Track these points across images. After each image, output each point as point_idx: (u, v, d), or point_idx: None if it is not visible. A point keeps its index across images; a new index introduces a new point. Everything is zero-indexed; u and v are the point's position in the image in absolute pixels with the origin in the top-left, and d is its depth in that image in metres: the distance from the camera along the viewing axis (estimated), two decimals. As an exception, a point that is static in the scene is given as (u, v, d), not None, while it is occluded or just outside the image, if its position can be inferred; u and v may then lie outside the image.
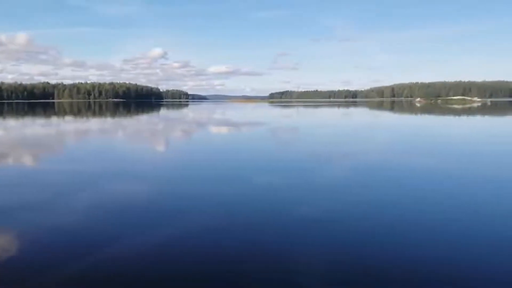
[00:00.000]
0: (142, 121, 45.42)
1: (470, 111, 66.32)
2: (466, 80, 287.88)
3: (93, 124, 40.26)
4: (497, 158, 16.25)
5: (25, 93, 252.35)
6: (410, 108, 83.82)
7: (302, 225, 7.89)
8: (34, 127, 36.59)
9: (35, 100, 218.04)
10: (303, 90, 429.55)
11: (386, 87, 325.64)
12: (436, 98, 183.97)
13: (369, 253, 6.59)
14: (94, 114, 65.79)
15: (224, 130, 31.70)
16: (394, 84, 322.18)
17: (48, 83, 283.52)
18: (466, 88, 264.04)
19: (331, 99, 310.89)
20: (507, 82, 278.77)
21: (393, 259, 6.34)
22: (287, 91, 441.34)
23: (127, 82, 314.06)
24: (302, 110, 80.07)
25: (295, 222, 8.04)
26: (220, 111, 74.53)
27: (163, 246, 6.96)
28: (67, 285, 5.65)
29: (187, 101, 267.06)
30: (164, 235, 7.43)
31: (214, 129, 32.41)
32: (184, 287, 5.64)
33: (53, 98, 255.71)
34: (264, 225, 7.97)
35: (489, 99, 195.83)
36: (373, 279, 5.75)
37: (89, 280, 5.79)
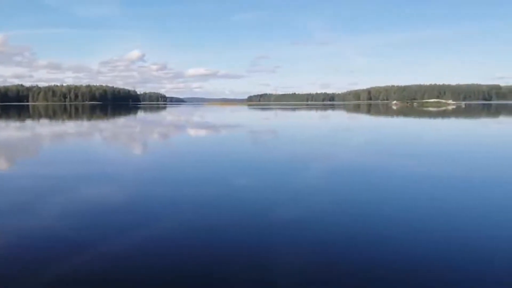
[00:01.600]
0: (119, 124, 44.93)
1: (447, 114, 67.64)
2: (441, 83, 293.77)
3: (69, 127, 39.66)
4: (476, 157, 16.63)
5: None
6: (387, 111, 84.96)
7: (282, 225, 7.94)
8: (8, 130, 35.85)
9: (8, 103, 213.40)
10: (281, 93, 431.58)
11: (363, 90, 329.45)
12: (412, 100, 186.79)
13: (352, 252, 6.68)
14: (70, 117, 64.80)
15: (202, 132, 31.61)
16: (371, 87, 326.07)
17: (22, 85, 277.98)
18: (441, 91, 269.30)
19: (309, 102, 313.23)
20: (480, 85, 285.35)
21: (377, 259, 6.44)
22: (265, 94, 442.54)
23: (104, 84, 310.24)
24: (280, 113, 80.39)
25: (275, 223, 8.08)
26: (197, 114, 74.26)
27: (143, 247, 6.91)
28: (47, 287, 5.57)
29: (165, 104, 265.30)
30: (144, 237, 7.39)
31: (192, 132, 32.29)
32: (165, 286, 5.62)
33: (27, 101, 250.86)
34: (245, 226, 7.98)
35: (463, 102, 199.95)
36: (355, 277, 5.83)
37: (70, 282, 5.72)
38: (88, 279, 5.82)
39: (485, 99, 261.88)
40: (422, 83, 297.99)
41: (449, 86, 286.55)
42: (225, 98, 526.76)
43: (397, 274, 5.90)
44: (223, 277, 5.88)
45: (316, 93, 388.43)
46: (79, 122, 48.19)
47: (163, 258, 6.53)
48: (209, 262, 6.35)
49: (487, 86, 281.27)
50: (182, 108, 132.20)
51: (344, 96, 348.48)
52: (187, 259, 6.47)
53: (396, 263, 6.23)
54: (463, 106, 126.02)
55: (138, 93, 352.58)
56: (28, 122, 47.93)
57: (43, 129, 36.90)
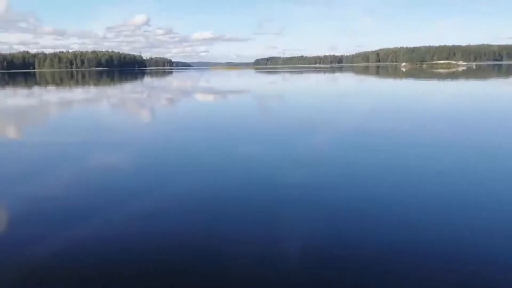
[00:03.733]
0: (126, 90, 44.86)
1: (457, 75, 66.66)
2: (451, 44, 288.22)
3: (78, 94, 39.70)
4: (484, 121, 16.48)
5: (5, 63, 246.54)
6: (395, 73, 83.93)
7: (289, 191, 7.99)
8: (17, 98, 35.96)
9: (15, 70, 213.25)
10: (289, 56, 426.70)
11: (371, 52, 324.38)
12: (421, 62, 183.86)
13: (358, 216, 6.75)
14: (77, 83, 64.78)
15: (208, 98, 31.51)
16: (379, 49, 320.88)
17: (28, 52, 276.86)
18: (451, 52, 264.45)
19: (317, 65, 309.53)
20: (490, 45, 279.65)
21: (382, 222, 6.51)
22: (272, 57, 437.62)
23: (109, 50, 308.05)
24: (287, 76, 79.72)
25: (282, 188, 8.13)
26: (204, 79, 73.88)
27: (152, 212, 7.02)
28: (56, 256, 5.71)
29: (171, 69, 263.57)
30: (153, 201, 7.49)
31: (198, 98, 32.20)
32: (172, 250, 5.74)
33: (33, 68, 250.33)
34: (251, 191, 8.07)
35: (474, 63, 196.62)
36: (361, 240, 5.91)
37: (79, 249, 5.86)
38: (98, 243, 5.96)
39: (496, 60, 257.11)
40: (431, 45, 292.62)
41: (459, 47, 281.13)
42: (232, 62, 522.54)
43: (401, 237, 5.98)
44: (229, 240, 5.99)
45: (324, 56, 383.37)
46: (86, 89, 48.18)
47: (171, 222, 6.65)
48: (216, 227, 6.46)
49: (498, 46, 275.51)
50: (188, 73, 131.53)
51: (352, 59, 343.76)
52: (194, 223, 6.57)
53: (400, 228, 6.31)
54: (474, 67, 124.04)
55: (144, 58, 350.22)
56: (36, 90, 48.00)
57: (52, 96, 36.98)
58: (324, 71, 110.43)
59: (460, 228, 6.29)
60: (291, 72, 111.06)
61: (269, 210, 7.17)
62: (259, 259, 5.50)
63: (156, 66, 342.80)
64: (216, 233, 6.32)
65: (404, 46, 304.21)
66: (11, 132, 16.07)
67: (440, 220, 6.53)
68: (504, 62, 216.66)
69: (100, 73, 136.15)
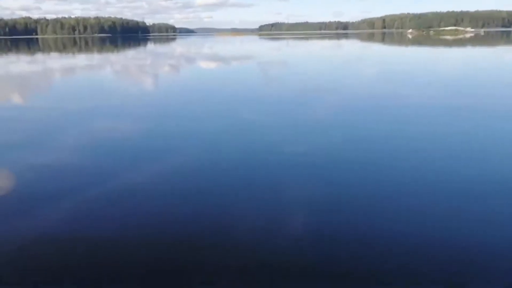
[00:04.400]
0: (130, 57, 44.63)
1: (464, 42, 65.71)
2: (459, 10, 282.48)
3: (82, 60, 39.56)
4: (488, 88, 16.45)
5: (7, 29, 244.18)
6: (401, 40, 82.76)
7: (291, 158, 8.15)
8: (22, 64, 35.92)
9: (17, 37, 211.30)
10: (293, 22, 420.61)
11: (377, 19, 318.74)
12: (428, 29, 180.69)
13: (360, 185, 6.93)
14: (80, 50, 64.39)
15: (212, 65, 31.37)
16: (385, 16, 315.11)
17: (30, 18, 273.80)
18: (458, 18, 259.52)
19: (322, 31, 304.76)
20: (499, 11, 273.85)
21: (386, 189, 6.70)
22: (277, 23, 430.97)
23: (112, 16, 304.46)
24: (292, 43, 78.82)
25: (285, 156, 8.27)
26: (207, 45, 73.20)
27: (157, 178, 7.22)
28: (60, 221, 5.92)
29: (174, 35, 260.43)
30: (157, 168, 7.68)
31: (201, 64, 32.06)
32: (176, 216, 5.95)
33: (36, 34, 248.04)
34: (254, 160, 8.22)
35: (482, 29, 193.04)
36: (363, 207, 6.11)
37: (82, 215, 6.07)
38: (105, 205, 6.18)
39: (505, 26, 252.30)
40: (438, 11, 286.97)
41: (467, 13, 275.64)
42: (236, 28, 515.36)
43: (405, 202, 6.17)
44: (235, 205, 6.20)
45: (329, 22, 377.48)
46: (90, 55, 47.95)
47: (176, 187, 6.86)
48: (222, 192, 6.66)
49: (507, 12, 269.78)
50: (192, 39, 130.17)
51: (357, 25, 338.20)
52: (200, 188, 6.78)
53: (403, 192, 6.50)
54: (482, 33, 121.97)
55: (147, 24, 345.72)
56: (40, 56, 47.81)
57: (56, 63, 36.88)
58: (329, 38, 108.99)
59: (460, 189, 6.48)
60: (295, 38, 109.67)
61: (274, 175, 7.35)
62: (264, 224, 5.70)
63: (159, 33, 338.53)
64: (222, 198, 6.51)
65: (411, 12, 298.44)
66: (17, 99, 16.21)
67: (441, 183, 6.72)
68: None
69: (103, 40, 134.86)
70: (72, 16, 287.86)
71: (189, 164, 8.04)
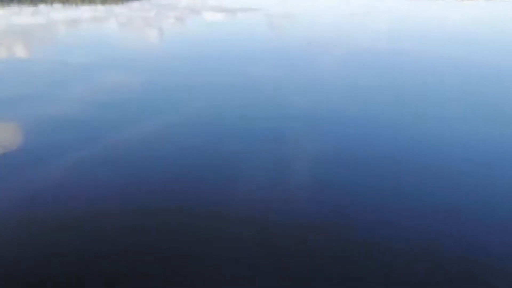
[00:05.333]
0: (135, 8, 43.84)
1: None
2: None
3: (86, 12, 38.93)
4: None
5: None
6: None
7: (299, 113, 8.24)
8: (25, 16, 35.45)
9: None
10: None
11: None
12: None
13: (369, 139, 7.09)
14: (83, 1, 62.98)
15: (217, 17, 30.85)
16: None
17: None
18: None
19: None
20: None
21: (384, 142, 6.89)
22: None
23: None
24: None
25: (292, 110, 8.37)
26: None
27: (165, 129, 7.41)
28: (71, 169, 6.13)
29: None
30: (165, 118, 7.85)
31: (206, 16, 31.54)
32: (184, 161, 6.17)
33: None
34: (260, 109, 8.36)
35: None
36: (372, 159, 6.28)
37: (92, 162, 6.28)
38: (106, 158, 6.38)
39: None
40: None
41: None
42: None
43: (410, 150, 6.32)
44: (241, 153, 6.41)
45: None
46: (94, 8, 47.09)
47: (183, 137, 7.08)
48: (228, 141, 6.89)
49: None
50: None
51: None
52: (207, 136, 6.98)
53: (404, 142, 6.70)
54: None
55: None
56: (43, 7, 47.05)
57: (59, 14, 36.37)
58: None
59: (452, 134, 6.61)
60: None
61: (279, 126, 7.48)
62: (270, 171, 5.89)
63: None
64: (229, 146, 6.70)
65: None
66: (23, 52, 16.18)
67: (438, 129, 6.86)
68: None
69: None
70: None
71: (196, 115, 8.17)
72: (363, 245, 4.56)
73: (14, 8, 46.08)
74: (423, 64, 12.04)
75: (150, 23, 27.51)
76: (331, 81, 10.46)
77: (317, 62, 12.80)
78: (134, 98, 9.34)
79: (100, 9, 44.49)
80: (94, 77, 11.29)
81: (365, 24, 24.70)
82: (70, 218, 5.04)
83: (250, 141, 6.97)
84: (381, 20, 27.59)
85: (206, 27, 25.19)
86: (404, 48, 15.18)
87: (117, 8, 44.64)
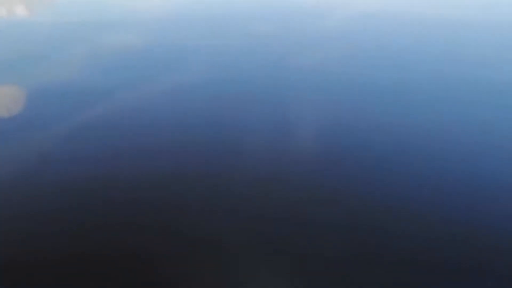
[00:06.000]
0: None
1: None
2: None
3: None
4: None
5: None
6: None
7: (302, 68, 8.32)
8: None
9: None
10: None
11: None
12: None
13: (365, 97, 7.23)
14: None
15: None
16: None
17: None
18: None
19: None
20: None
21: (385, 105, 7.04)
22: None
23: None
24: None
25: (296, 72, 8.48)
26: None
27: (172, 89, 7.60)
28: (73, 133, 6.28)
29: None
30: (171, 78, 8.05)
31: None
32: (192, 120, 6.41)
33: None
34: (264, 71, 8.54)
35: None
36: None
37: (94, 127, 6.48)
38: (114, 119, 6.61)
39: None
40: None
41: None
42: None
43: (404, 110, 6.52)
44: (246, 113, 6.66)
45: None
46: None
47: (188, 97, 7.26)
48: (233, 102, 7.05)
49: None
50: None
51: None
52: (210, 104, 7.10)
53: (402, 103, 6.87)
54: None
55: None
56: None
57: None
58: None
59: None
60: None
61: (285, 87, 7.59)
62: (276, 133, 6.06)
63: None
64: (234, 108, 6.84)
65: None
66: (22, 11, 15.97)
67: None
68: None
69: None
70: None
71: (200, 77, 8.28)
72: (370, 206, 4.78)
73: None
74: (431, 27, 11.92)
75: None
76: (339, 43, 10.41)
77: (325, 22, 12.66)
78: (136, 60, 9.36)
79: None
80: (95, 38, 11.21)
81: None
82: (76, 183, 5.15)
83: (254, 103, 7.07)
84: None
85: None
86: (420, 11, 14.94)
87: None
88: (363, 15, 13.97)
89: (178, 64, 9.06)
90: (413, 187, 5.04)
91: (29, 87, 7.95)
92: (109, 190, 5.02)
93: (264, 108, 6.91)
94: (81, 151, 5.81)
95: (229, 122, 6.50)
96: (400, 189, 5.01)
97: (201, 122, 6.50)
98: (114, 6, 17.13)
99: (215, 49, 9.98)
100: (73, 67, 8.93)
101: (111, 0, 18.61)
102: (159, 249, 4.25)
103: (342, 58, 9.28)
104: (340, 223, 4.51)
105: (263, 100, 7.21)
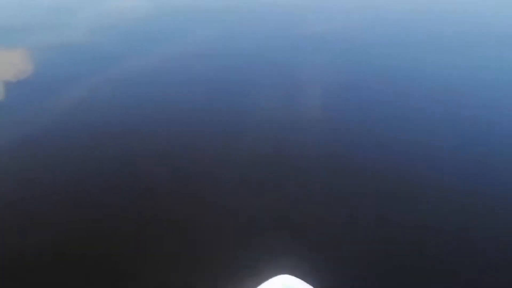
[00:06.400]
0: None
1: None
2: None
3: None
4: None
5: None
6: None
7: (312, 41, 8.40)
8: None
9: None
10: None
11: None
12: None
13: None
14: None
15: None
16: None
17: None
18: None
19: None
20: None
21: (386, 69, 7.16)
22: None
23: None
24: None
25: (305, 39, 8.50)
26: None
27: (178, 56, 7.62)
28: (83, 97, 6.35)
29: None
30: (172, 52, 7.95)
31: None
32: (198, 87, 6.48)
33: None
34: (274, 40, 8.50)
35: None
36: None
37: (102, 91, 6.50)
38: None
39: None
40: None
41: None
42: None
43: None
44: (251, 81, 6.70)
45: None
46: None
47: (193, 64, 7.33)
48: (238, 68, 7.16)
49: None
50: None
51: None
52: (218, 70, 7.22)
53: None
54: None
55: None
56: None
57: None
58: None
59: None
60: None
61: (295, 53, 7.70)
62: (285, 99, 6.12)
63: None
64: (242, 74, 6.93)
65: None
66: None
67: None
68: None
69: None
70: None
71: (207, 44, 8.29)
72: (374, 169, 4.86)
73: None
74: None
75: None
76: (353, 7, 10.44)
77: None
78: (143, 26, 9.31)
79: None
80: (101, 2, 11.02)
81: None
82: (92, 142, 5.25)
83: (263, 70, 7.13)
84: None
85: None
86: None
87: None
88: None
89: (185, 30, 9.03)
90: (424, 152, 5.11)
91: (34, 51, 7.91)
92: (118, 147, 5.10)
93: (273, 77, 6.94)
94: (91, 114, 5.86)
95: (238, 88, 6.53)
96: (413, 152, 5.07)
97: (209, 88, 6.52)
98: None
99: (225, 15, 9.94)
100: (78, 33, 8.83)
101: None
102: (174, 211, 4.37)
103: (357, 26, 9.29)
104: (348, 189, 4.60)
105: (274, 67, 7.22)
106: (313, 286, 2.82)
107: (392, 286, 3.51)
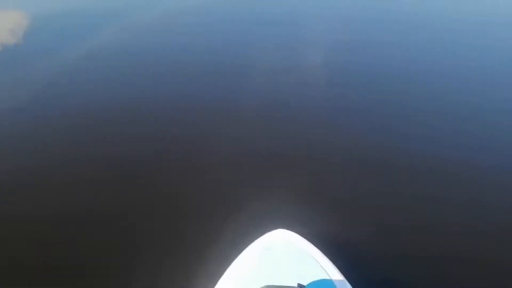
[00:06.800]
0: None
1: None
2: None
3: None
4: None
5: None
6: None
7: (311, 9, 8.26)
8: None
9: None
10: None
11: None
12: None
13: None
14: None
15: None
16: None
17: None
18: None
19: None
20: None
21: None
22: None
23: None
24: None
25: (299, 17, 8.38)
26: None
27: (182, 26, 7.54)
28: (81, 60, 6.26)
29: None
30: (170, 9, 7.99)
31: None
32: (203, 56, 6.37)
33: None
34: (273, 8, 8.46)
35: None
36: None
37: (101, 51, 6.51)
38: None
39: None
40: None
41: None
42: None
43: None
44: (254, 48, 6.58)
45: None
46: None
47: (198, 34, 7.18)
48: (241, 37, 6.99)
49: None
50: None
51: None
52: (219, 31, 7.17)
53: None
54: None
55: None
56: None
57: None
58: None
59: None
60: None
61: (296, 16, 7.54)
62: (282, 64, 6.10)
63: None
64: (243, 33, 6.83)
65: None
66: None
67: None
68: None
69: None
70: None
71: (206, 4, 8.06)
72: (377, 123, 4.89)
73: None
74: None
75: None
76: None
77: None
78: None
79: None
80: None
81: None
82: (88, 107, 5.27)
83: (264, 30, 7.02)
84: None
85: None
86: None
87: None
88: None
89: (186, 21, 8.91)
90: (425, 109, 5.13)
91: (31, 13, 7.77)
92: (116, 110, 5.13)
93: (273, 38, 6.92)
94: (89, 77, 5.86)
95: (239, 47, 6.53)
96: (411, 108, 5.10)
97: (210, 47, 6.54)
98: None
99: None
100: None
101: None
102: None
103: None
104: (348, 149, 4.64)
105: (274, 27, 7.21)
106: (308, 240, 2.91)
107: (389, 240, 3.61)
